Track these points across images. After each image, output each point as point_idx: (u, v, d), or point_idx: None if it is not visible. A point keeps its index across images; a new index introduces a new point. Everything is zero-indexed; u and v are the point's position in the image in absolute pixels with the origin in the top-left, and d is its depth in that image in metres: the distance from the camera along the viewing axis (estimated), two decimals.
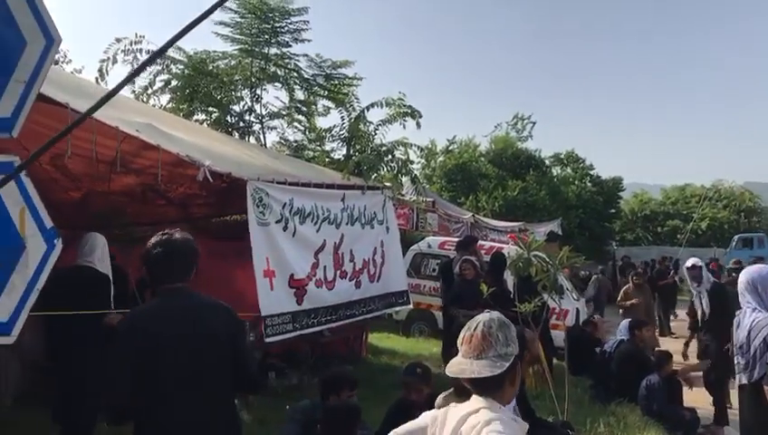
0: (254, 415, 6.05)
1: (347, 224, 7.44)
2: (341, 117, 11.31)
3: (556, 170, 33.66)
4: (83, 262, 5.09)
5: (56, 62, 11.52)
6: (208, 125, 11.33)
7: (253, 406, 6.18)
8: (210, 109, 11.61)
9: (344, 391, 4.19)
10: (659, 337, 12.21)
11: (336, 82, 11.69)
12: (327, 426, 3.90)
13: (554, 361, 8.50)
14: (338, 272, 7.31)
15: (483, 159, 31.55)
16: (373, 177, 8.74)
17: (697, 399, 7.48)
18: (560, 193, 29.66)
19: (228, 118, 11.74)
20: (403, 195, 10.57)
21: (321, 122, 12.43)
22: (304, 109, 11.97)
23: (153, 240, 2.98)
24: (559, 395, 6.05)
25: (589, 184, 32.38)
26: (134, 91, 10.69)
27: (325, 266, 7.06)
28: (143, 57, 9.76)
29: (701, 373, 7.55)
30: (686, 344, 10.64)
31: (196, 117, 11.43)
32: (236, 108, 11.86)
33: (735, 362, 4.55)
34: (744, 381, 4.42)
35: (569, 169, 33.50)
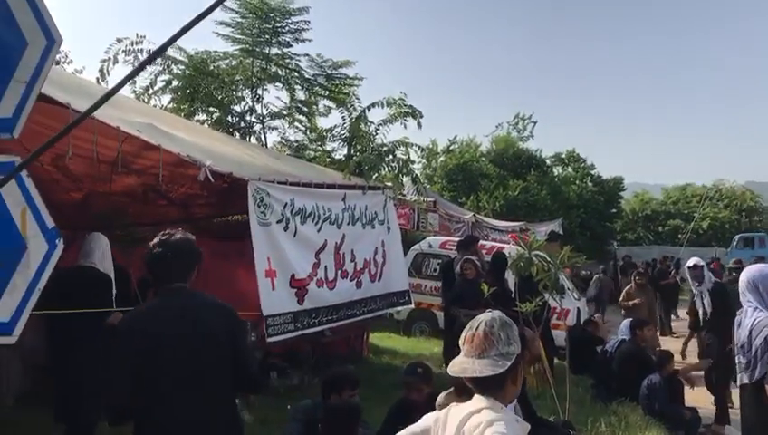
0: (256, 415, 6.05)
1: (348, 224, 7.44)
2: (342, 117, 11.34)
3: (557, 170, 33.67)
4: (85, 262, 5.10)
5: (57, 63, 11.54)
6: (209, 125, 11.34)
7: (254, 406, 6.18)
8: (211, 109, 11.62)
9: (346, 390, 4.19)
10: (660, 337, 12.21)
11: (337, 82, 11.70)
12: (328, 425, 3.91)
13: (555, 360, 8.50)
14: (339, 272, 7.32)
15: (484, 158, 31.56)
16: (374, 177, 8.74)
17: (699, 398, 7.48)
18: (561, 193, 29.65)
19: (229, 118, 11.76)
20: (404, 195, 10.58)
21: (322, 122, 12.47)
22: (305, 109, 11.98)
23: (154, 240, 2.99)
24: (560, 394, 6.05)
25: (590, 184, 32.38)
26: (135, 92, 10.72)
27: (326, 266, 7.07)
28: (144, 57, 9.77)
29: (702, 373, 7.55)
30: (685, 344, 10.64)
31: (197, 117, 11.45)
32: (237, 108, 11.89)
33: (737, 361, 4.55)
34: (746, 380, 4.42)
35: (570, 169, 33.50)
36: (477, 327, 2.11)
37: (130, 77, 2.29)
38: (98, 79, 9.47)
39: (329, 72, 11.62)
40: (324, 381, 4.40)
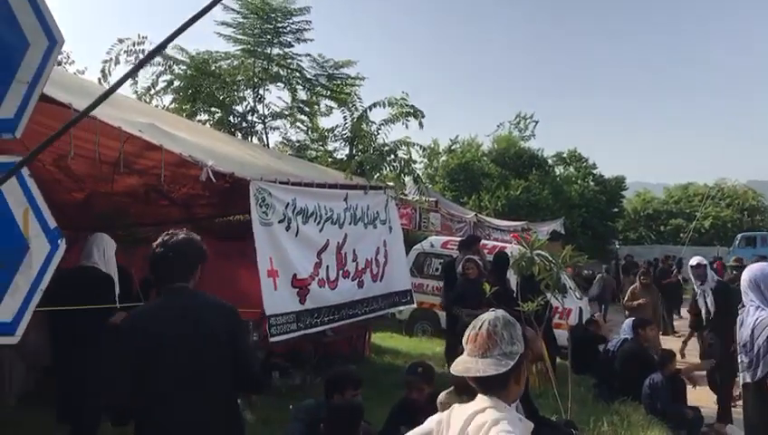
0: (258, 415, 6.05)
1: (350, 224, 7.44)
2: (344, 117, 11.36)
3: (559, 170, 33.70)
4: (87, 263, 5.10)
5: (59, 64, 11.55)
6: (211, 125, 11.34)
7: (256, 406, 6.19)
8: (213, 109, 11.63)
9: (348, 390, 4.19)
10: (662, 336, 12.18)
11: (338, 82, 11.71)
12: (331, 425, 3.91)
13: (558, 360, 8.51)
14: (340, 272, 7.31)
15: (485, 158, 31.59)
16: (376, 176, 8.75)
17: (701, 397, 7.48)
18: (562, 192, 29.67)
19: (231, 118, 11.77)
20: (406, 194, 10.58)
21: (324, 122, 12.48)
22: (307, 109, 11.98)
23: (158, 240, 3.00)
24: (562, 394, 6.05)
25: (591, 183, 32.40)
26: (137, 92, 10.73)
27: (328, 266, 7.06)
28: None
29: (704, 372, 7.55)
30: (685, 342, 10.62)
31: (198, 117, 11.45)
32: (239, 108, 11.90)
33: (739, 360, 4.55)
34: (748, 379, 4.42)
35: (571, 169, 33.53)
36: (481, 326, 2.11)
37: (129, 75, 2.29)
38: (100, 79, 9.47)
39: (330, 72, 11.63)
40: (327, 380, 4.41)
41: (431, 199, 13.69)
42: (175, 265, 2.95)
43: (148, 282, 6.33)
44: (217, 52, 11.38)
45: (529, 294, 6.17)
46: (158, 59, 10.52)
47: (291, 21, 11.21)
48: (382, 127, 10.65)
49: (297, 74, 11.59)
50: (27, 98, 2.23)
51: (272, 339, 6.06)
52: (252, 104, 11.79)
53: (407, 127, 10.52)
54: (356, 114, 11.07)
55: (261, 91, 11.68)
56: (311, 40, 11.52)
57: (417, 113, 10.24)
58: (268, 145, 11.83)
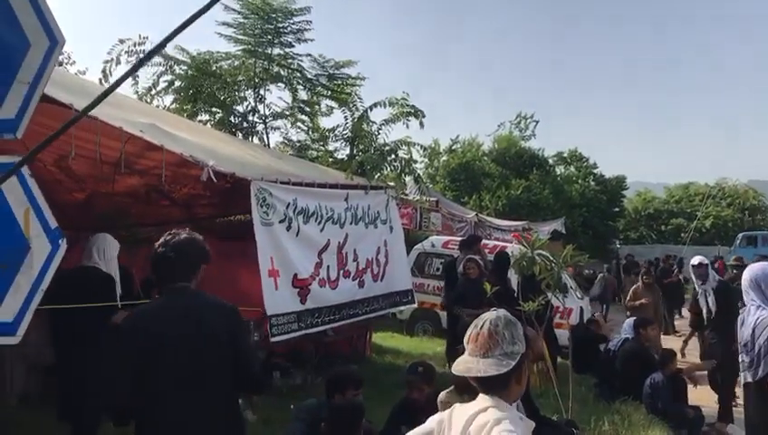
0: (259, 415, 6.05)
1: (350, 223, 7.44)
2: (344, 117, 11.37)
3: (559, 169, 33.71)
4: (88, 263, 5.10)
5: (60, 64, 11.56)
6: (212, 126, 11.35)
7: (257, 406, 6.19)
8: (213, 109, 11.64)
9: (349, 389, 4.20)
10: (663, 336, 12.18)
11: (339, 82, 11.72)
12: (332, 425, 3.91)
13: (558, 359, 8.50)
14: (341, 271, 7.31)
15: (486, 158, 31.60)
16: (376, 176, 8.75)
17: (702, 397, 7.47)
18: (563, 192, 29.68)
19: (232, 118, 11.78)
20: (406, 194, 10.59)
21: (325, 122, 12.49)
22: (307, 109, 11.99)
23: (160, 240, 3.00)
24: (563, 393, 6.05)
25: (592, 183, 32.42)
26: (138, 92, 10.74)
27: (329, 266, 7.06)
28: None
29: (706, 372, 7.54)
30: (686, 342, 10.61)
31: (199, 117, 11.47)
32: (240, 108, 11.91)
33: (740, 359, 4.55)
34: (749, 378, 4.42)
35: (572, 168, 33.55)
36: (482, 326, 2.11)
37: (128, 75, 2.29)
38: (101, 80, 9.48)
39: (331, 72, 11.64)
40: (328, 380, 4.41)
41: (432, 199, 13.70)
42: (176, 265, 2.95)
43: (150, 282, 6.34)
44: (218, 52, 11.42)
45: (530, 294, 6.17)
46: (159, 59, 10.55)
47: (291, 21, 11.23)
48: (383, 127, 10.66)
49: (298, 74, 11.60)
50: (28, 98, 2.23)
51: (273, 339, 6.07)
52: (253, 104, 11.83)
53: (407, 127, 10.53)
54: (357, 114, 11.08)
55: (262, 92, 11.70)
56: (311, 40, 11.56)
57: (417, 113, 10.24)
58: (269, 145, 11.84)
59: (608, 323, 11.67)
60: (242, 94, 11.80)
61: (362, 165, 8.48)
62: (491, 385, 2.06)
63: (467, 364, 2.08)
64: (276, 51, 11.40)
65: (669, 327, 14.55)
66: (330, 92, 11.73)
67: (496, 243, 13.01)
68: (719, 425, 7.19)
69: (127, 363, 2.81)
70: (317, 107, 12.08)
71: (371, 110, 10.85)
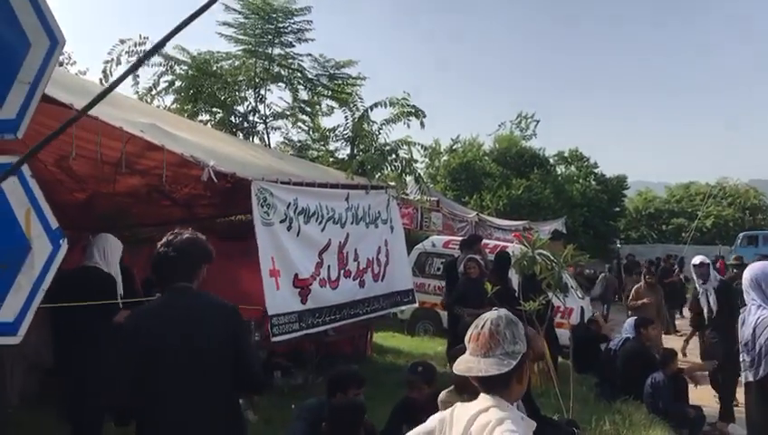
0: (260, 415, 6.05)
1: (351, 223, 7.44)
2: (345, 117, 11.35)
3: (560, 169, 33.69)
4: (89, 263, 5.10)
5: (61, 64, 11.57)
6: (212, 126, 11.35)
7: (258, 406, 6.19)
8: (214, 109, 11.64)
9: (351, 389, 4.19)
10: (664, 335, 12.18)
11: (340, 82, 11.72)
12: (333, 424, 3.91)
13: (559, 359, 8.50)
14: (342, 271, 7.32)
15: (487, 157, 31.58)
16: (377, 176, 8.75)
17: (703, 396, 7.47)
18: (564, 191, 29.66)
19: (232, 118, 11.78)
20: (407, 194, 10.58)
21: (325, 122, 12.48)
22: (308, 109, 11.99)
23: (162, 240, 3.00)
24: (564, 393, 6.05)
25: (593, 182, 32.40)
26: (138, 93, 10.74)
27: (329, 266, 7.07)
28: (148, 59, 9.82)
29: (707, 372, 7.54)
30: (686, 341, 10.61)
31: (200, 117, 11.47)
32: (240, 108, 11.91)
33: (741, 359, 4.54)
34: (750, 378, 4.41)
35: (573, 168, 33.52)
36: (483, 326, 2.10)
37: (128, 74, 2.29)
38: (101, 80, 9.49)
39: (331, 71, 11.63)
40: (330, 379, 4.41)
41: (433, 199, 13.70)
42: (178, 265, 2.95)
43: (151, 282, 6.34)
44: (219, 52, 11.42)
45: (531, 294, 6.17)
46: (159, 60, 10.55)
47: (292, 21, 11.23)
48: (383, 127, 10.64)
49: (298, 74, 11.60)
50: (29, 98, 2.23)
51: (274, 339, 6.07)
52: (253, 104, 11.82)
53: (408, 127, 10.51)
54: (357, 114, 11.07)
55: (262, 92, 11.70)
56: (312, 40, 11.55)
57: (418, 113, 10.23)
58: (269, 145, 11.84)
59: (608, 322, 11.67)
60: (242, 94, 11.80)
61: (363, 165, 8.48)
62: (492, 385, 2.06)
63: (468, 364, 2.08)
64: (277, 51, 11.40)
65: (670, 327, 14.54)
66: (330, 92, 11.72)
67: (497, 243, 13.02)
68: (720, 425, 7.19)
69: (128, 363, 2.81)
70: (318, 107, 12.07)
71: (372, 110, 10.84)
